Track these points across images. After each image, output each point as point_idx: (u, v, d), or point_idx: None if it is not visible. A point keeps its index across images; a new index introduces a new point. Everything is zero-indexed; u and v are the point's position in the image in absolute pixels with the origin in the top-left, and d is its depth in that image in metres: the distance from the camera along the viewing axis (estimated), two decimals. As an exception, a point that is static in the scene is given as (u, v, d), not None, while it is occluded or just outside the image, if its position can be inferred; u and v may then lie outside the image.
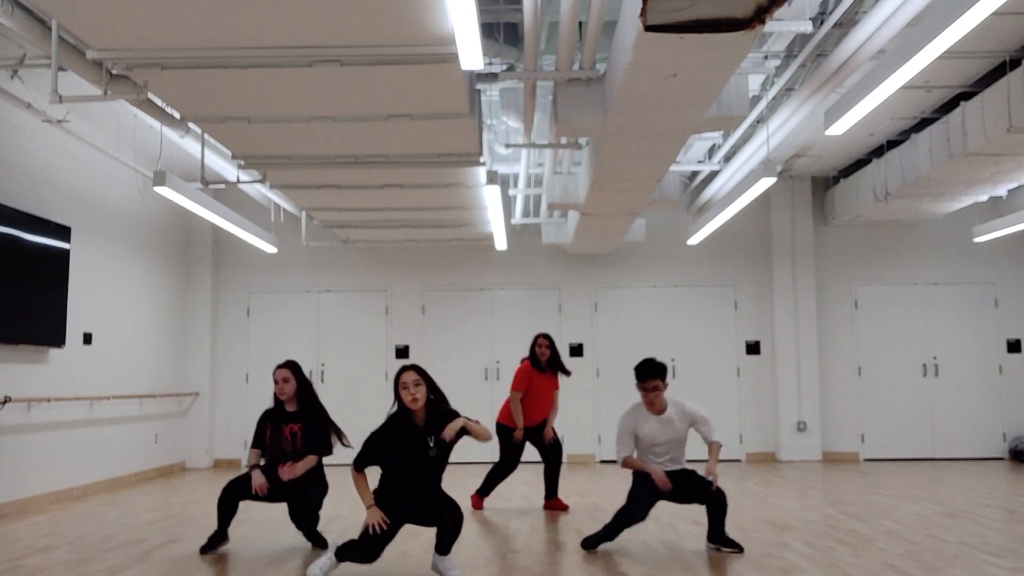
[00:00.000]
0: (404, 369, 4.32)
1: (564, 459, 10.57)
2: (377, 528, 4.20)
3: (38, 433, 7.26)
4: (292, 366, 5.26)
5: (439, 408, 4.36)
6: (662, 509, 6.69)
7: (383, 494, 4.32)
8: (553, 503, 6.85)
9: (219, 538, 5.15)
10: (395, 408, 4.36)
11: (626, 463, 5.12)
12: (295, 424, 5.15)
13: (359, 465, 4.31)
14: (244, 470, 5.23)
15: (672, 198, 8.53)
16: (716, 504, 5.00)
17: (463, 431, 4.29)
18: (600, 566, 4.65)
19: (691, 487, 5.06)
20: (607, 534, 5.08)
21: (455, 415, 4.34)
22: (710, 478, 4.96)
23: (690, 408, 5.18)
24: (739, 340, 10.87)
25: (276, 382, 5.20)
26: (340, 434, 5.23)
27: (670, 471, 5.12)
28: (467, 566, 4.66)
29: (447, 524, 4.29)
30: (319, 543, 5.26)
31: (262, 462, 5.20)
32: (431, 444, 4.30)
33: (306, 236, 10.90)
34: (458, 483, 8.64)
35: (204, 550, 5.11)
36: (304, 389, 5.24)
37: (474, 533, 5.73)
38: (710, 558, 4.83)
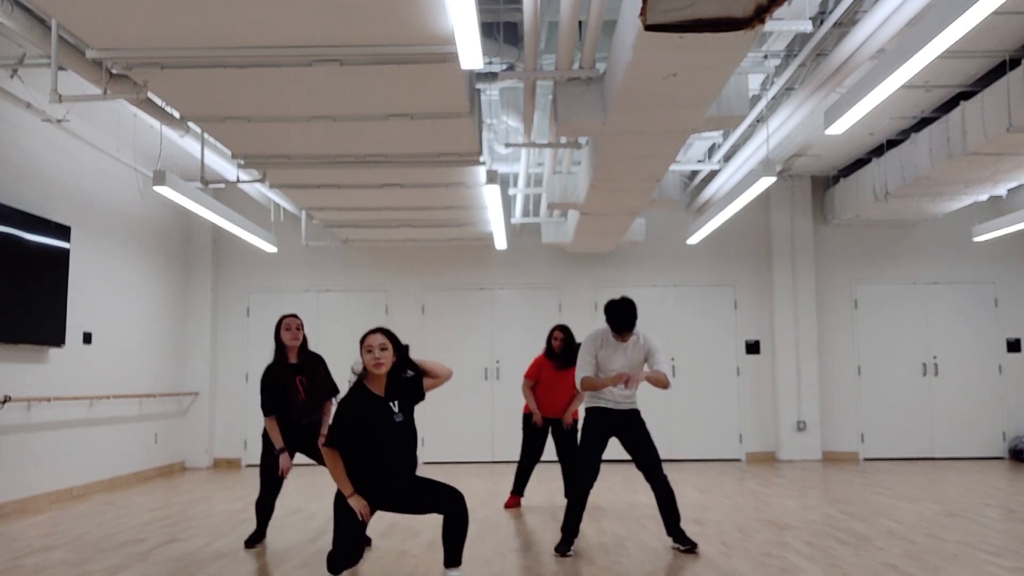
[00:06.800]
0: (370, 332, 4.02)
1: None
2: (365, 518, 3.92)
3: (38, 433, 7.26)
4: (299, 318, 5.38)
5: (400, 376, 4.09)
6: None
7: (355, 479, 3.97)
8: None
9: (259, 536, 5.36)
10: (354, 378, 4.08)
11: (583, 383, 5.03)
12: (301, 375, 5.24)
13: (334, 439, 3.93)
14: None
15: (672, 198, 8.53)
16: (658, 495, 5.02)
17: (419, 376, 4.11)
18: (600, 565, 4.65)
19: (639, 442, 5.08)
20: (571, 524, 5.00)
21: (416, 380, 4.12)
22: (637, 378, 4.92)
23: (652, 340, 5.14)
24: (739, 340, 10.87)
25: (288, 329, 5.26)
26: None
27: (624, 411, 5.12)
28: (467, 566, 4.66)
29: (453, 520, 3.95)
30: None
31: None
32: (395, 409, 4.02)
33: (306, 236, 10.89)
34: (458, 482, 8.64)
35: (248, 544, 5.33)
36: (304, 341, 5.35)
37: (474, 533, 5.73)
38: (709, 557, 4.83)
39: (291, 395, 5.18)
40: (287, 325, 5.28)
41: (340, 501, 3.99)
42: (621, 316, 5.02)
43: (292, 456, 5.24)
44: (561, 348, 6.80)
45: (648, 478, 5.04)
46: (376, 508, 4.03)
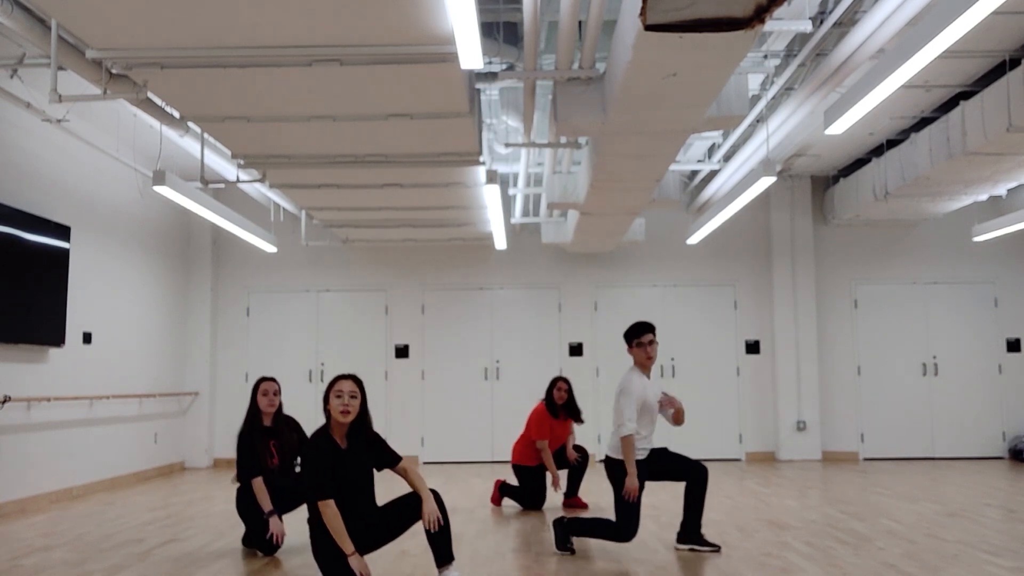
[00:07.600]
0: (341, 377, 3.91)
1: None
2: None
3: (38, 433, 7.26)
4: (277, 382, 5.29)
5: (363, 430, 3.96)
6: (663, 508, 6.69)
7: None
8: (573, 501, 6.93)
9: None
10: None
11: (626, 445, 4.69)
12: (273, 439, 5.19)
13: (324, 489, 3.74)
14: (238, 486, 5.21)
15: (672, 197, 8.53)
16: (698, 479, 4.96)
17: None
18: (600, 566, 4.65)
19: (672, 463, 5.00)
20: (580, 530, 4.93)
21: (379, 441, 3.99)
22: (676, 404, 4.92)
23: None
24: (739, 340, 10.87)
25: (265, 394, 5.17)
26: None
27: (652, 449, 5.02)
28: (467, 566, 4.66)
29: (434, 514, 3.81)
30: None
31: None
32: (362, 460, 3.94)
33: (306, 236, 10.90)
34: (457, 482, 8.64)
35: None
36: (280, 406, 5.29)
37: (473, 533, 5.73)
38: (709, 558, 4.83)
39: (263, 459, 5.08)
40: (264, 390, 5.18)
41: (332, 563, 3.77)
42: (637, 325, 4.91)
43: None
44: (564, 400, 6.86)
45: (693, 475, 4.94)
46: (365, 551, 3.90)
